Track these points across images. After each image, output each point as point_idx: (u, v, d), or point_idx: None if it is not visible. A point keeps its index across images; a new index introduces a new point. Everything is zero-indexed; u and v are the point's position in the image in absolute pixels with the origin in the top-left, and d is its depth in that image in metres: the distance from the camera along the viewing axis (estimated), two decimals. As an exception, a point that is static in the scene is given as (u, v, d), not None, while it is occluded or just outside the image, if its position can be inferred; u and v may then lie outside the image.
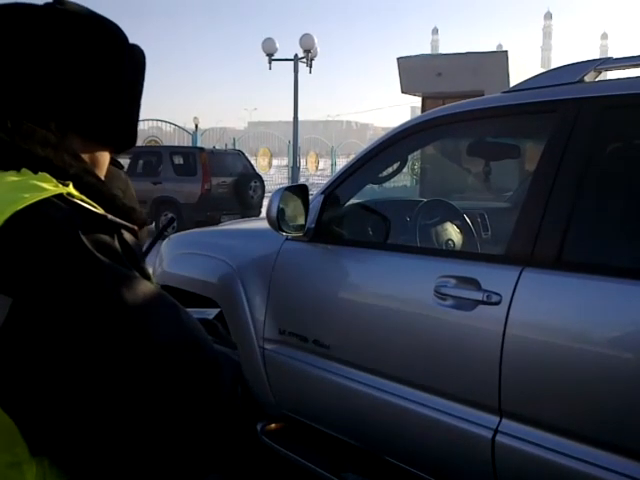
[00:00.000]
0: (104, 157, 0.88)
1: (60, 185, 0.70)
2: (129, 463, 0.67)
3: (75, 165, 0.76)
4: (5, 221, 0.63)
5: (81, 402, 0.63)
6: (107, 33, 0.83)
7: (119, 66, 0.83)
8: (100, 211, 0.71)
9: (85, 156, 0.82)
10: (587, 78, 1.99)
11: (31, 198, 0.66)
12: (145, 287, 0.69)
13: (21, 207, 0.65)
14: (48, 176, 0.71)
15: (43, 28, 0.77)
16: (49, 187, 0.68)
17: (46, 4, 0.80)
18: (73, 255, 0.65)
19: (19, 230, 0.64)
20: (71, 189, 0.70)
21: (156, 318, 0.69)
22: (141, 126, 19.55)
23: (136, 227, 0.76)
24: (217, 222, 9.74)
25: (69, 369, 0.62)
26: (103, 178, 0.84)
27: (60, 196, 0.68)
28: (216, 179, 11.22)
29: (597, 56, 2.10)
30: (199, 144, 17.44)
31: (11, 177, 0.70)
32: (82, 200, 0.70)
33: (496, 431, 1.85)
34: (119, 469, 0.68)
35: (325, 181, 2.78)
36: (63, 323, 0.62)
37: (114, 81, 0.83)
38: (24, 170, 0.71)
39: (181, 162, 11.51)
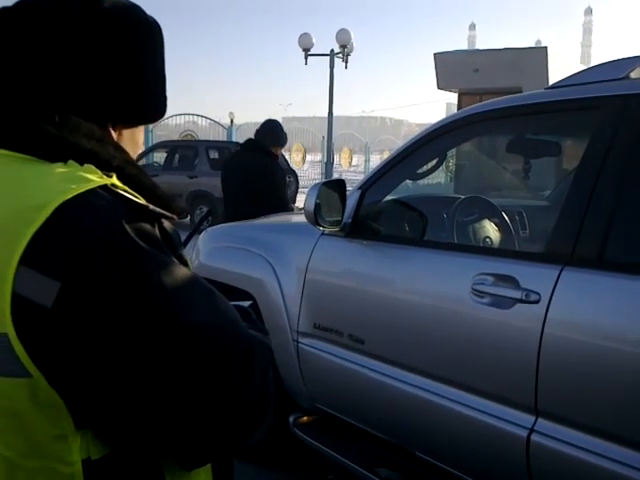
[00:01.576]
0: (140, 133, 0.91)
1: (104, 177, 0.73)
2: (163, 436, 0.72)
3: (118, 157, 0.79)
4: (54, 210, 0.67)
5: (121, 377, 0.67)
6: (133, 21, 0.83)
7: (146, 50, 0.85)
8: (142, 201, 0.74)
9: (125, 136, 0.87)
10: (633, 74, 1.95)
11: (78, 189, 0.69)
12: (182, 272, 0.73)
13: (69, 197, 0.68)
14: (93, 168, 0.74)
15: (79, 23, 0.79)
16: (94, 178, 0.72)
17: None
18: (117, 242, 0.68)
19: (67, 219, 0.67)
20: (115, 180, 0.74)
21: (192, 301, 0.72)
22: (177, 120, 19.81)
23: (175, 216, 0.79)
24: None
25: (111, 347, 0.66)
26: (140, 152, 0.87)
27: (105, 187, 0.71)
28: (251, 174, 11.28)
29: (639, 52, 2.07)
30: (234, 139, 17.57)
31: (59, 168, 0.73)
32: (125, 190, 0.73)
33: (531, 430, 1.84)
34: (155, 441, 0.73)
35: (359, 177, 2.79)
36: (107, 305, 0.66)
37: (143, 64, 0.84)
38: (70, 162, 0.74)
39: (217, 156, 11.61)
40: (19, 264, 0.65)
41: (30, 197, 0.69)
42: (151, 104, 0.88)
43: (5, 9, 0.80)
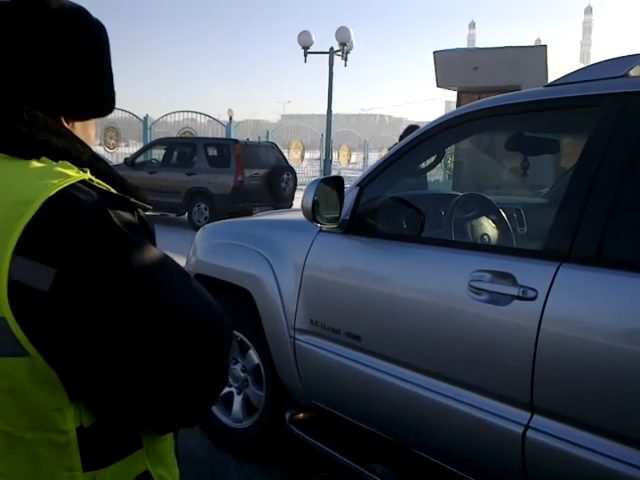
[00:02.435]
0: (92, 127, 0.97)
1: (80, 172, 0.79)
2: (143, 404, 0.79)
3: (86, 152, 0.85)
4: (42, 204, 0.73)
5: (109, 350, 0.74)
6: (77, 20, 0.90)
7: (91, 46, 0.91)
8: (119, 194, 0.80)
9: (78, 129, 0.93)
10: (632, 72, 1.94)
11: (60, 184, 0.75)
12: (162, 257, 0.81)
13: (54, 192, 0.74)
14: (69, 164, 0.80)
15: (29, 23, 0.85)
16: (73, 173, 0.78)
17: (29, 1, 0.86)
18: (105, 231, 0.75)
19: (55, 212, 0.73)
20: (90, 175, 0.80)
21: (173, 283, 0.80)
22: (175, 117, 19.78)
23: (150, 206, 0.86)
24: (249, 213, 9.80)
25: (101, 323, 0.73)
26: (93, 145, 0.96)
27: (83, 181, 0.78)
28: (249, 171, 11.28)
29: (639, 51, 2.05)
30: (233, 136, 17.56)
31: (35, 164, 0.79)
32: (99, 184, 0.80)
33: (527, 427, 1.84)
34: (135, 409, 0.80)
35: (357, 175, 2.78)
36: (98, 287, 0.73)
37: (89, 59, 0.90)
38: (44, 158, 0.80)
39: (215, 154, 11.59)
40: (14, 254, 0.71)
41: (17, 193, 0.75)
42: (99, 97, 0.93)
43: None
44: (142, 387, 0.77)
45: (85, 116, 0.93)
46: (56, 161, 0.79)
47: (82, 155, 0.83)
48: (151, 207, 0.86)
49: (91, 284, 0.72)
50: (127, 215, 0.79)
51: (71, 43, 0.87)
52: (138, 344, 0.75)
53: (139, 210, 0.83)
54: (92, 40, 0.91)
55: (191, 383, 0.79)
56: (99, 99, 0.93)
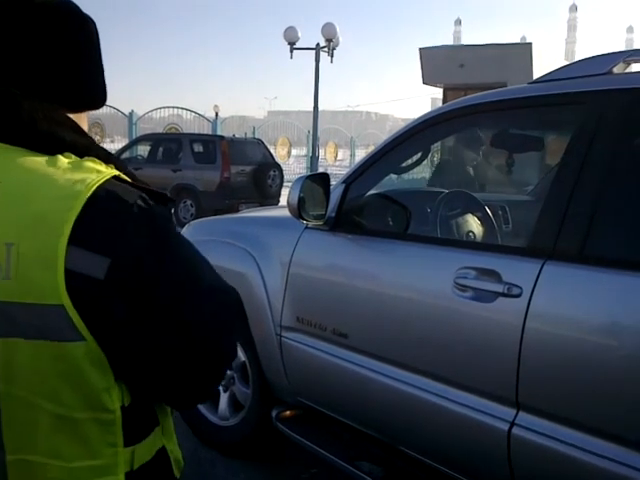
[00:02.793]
0: (84, 120, 0.98)
1: (108, 168, 0.85)
2: (176, 380, 0.86)
3: (101, 150, 0.89)
4: (88, 198, 0.78)
5: (151, 329, 0.81)
6: (65, 12, 0.92)
7: (80, 37, 0.93)
8: (153, 188, 0.87)
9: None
10: (615, 70, 1.95)
11: (99, 179, 0.80)
12: (193, 245, 0.90)
13: (96, 186, 0.79)
14: (96, 160, 0.85)
15: (21, 18, 0.87)
16: (103, 169, 0.83)
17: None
18: (150, 222, 0.82)
19: (101, 204, 0.78)
20: (117, 171, 0.85)
21: (204, 267, 0.89)
22: (161, 113, 19.66)
23: (175, 200, 0.89)
24: (236, 210, 9.76)
25: (147, 305, 0.80)
26: None
27: (115, 177, 0.83)
28: (235, 167, 11.24)
29: (622, 49, 2.06)
30: (219, 132, 17.48)
31: (65, 159, 0.83)
32: (127, 180, 0.85)
33: (512, 424, 1.85)
34: (168, 386, 0.87)
35: (344, 172, 2.78)
36: (147, 273, 0.80)
37: (79, 51, 0.92)
38: (67, 154, 0.84)
39: (201, 150, 11.54)
40: (68, 244, 0.75)
41: (60, 187, 0.78)
42: (90, 89, 0.95)
43: None
44: (176, 361, 0.84)
45: (78, 108, 0.94)
46: (80, 157, 0.84)
47: (100, 151, 0.88)
48: (175, 201, 0.90)
49: (141, 271, 0.79)
50: (162, 207, 0.86)
51: (59, 35, 0.89)
52: (177, 321, 0.82)
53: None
54: (80, 33, 0.92)
55: (216, 356, 0.88)
56: (91, 91, 0.95)
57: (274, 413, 2.76)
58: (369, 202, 2.58)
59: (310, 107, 17.74)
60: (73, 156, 0.84)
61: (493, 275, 1.92)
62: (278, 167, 12.36)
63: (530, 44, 11.33)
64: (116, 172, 0.84)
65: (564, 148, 1.96)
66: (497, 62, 10.64)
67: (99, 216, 0.78)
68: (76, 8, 0.93)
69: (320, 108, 17.83)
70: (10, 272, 0.75)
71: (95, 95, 0.96)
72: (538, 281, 1.80)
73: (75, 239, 0.76)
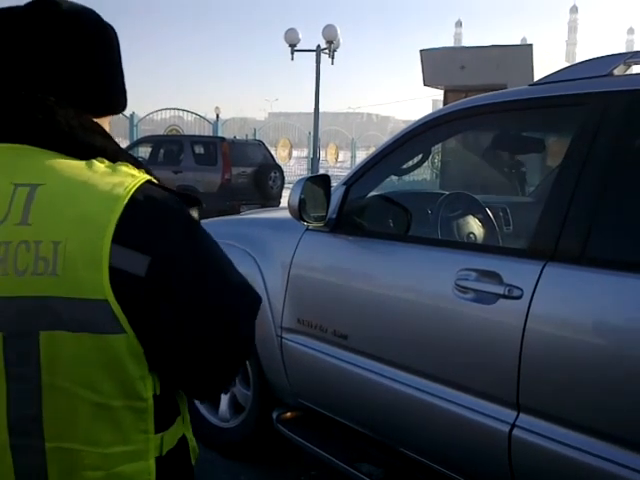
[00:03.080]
0: (107, 125, 1.02)
1: (140, 172, 0.90)
2: (202, 370, 0.92)
3: (122, 153, 0.94)
4: (128, 200, 0.83)
5: (185, 322, 0.86)
6: (93, 22, 0.97)
7: (103, 44, 0.98)
8: (184, 192, 0.93)
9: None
10: (616, 71, 1.95)
11: (136, 182, 0.86)
12: (218, 244, 0.94)
13: (134, 190, 0.85)
14: (129, 164, 0.90)
15: (49, 26, 0.91)
16: (137, 174, 0.89)
17: (54, 6, 0.93)
18: (185, 223, 0.89)
19: (140, 207, 0.84)
20: (149, 176, 0.91)
21: (230, 264, 0.95)
22: (162, 115, 19.67)
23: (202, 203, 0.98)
24: (237, 212, 9.77)
25: (183, 299, 0.86)
26: None
27: (148, 181, 0.89)
28: (236, 169, 11.23)
29: (623, 51, 2.06)
30: (220, 134, 17.49)
31: (101, 164, 0.88)
32: (159, 184, 0.91)
33: (513, 425, 1.85)
34: (195, 376, 0.93)
35: (344, 173, 2.78)
36: (183, 270, 0.86)
37: (102, 57, 0.97)
38: (100, 158, 0.89)
39: (202, 151, 11.53)
40: (112, 244, 0.81)
41: (101, 189, 0.84)
42: (114, 95, 1.00)
43: None
44: (208, 350, 0.90)
45: (102, 113, 0.99)
46: (111, 161, 0.90)
47: (119, 156, 0.92)
48: (202, 204, 0.96)
49: (178, 268, 0.86)
50: (193, 210, 0.91)
51: (85, 43, 0.93)
52: (209, 313, 0.89)
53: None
54: (104, 40, 0.97)
55: (241, 345, 0.95)
56: (114, 96, 1.00)
57: (274, 415, 2.76)
58: (370, 204, 2.58)
59: (311, 109, 17.74)
60: (106, 161, 0.89)
61: (494, 277, 1.92)
62: (279, 169, 12.35)
63: (531, 46, 11.33)
64: (149, 176, 0.90)
65: (565, 150, 1.96)
66: (498, 64, 10.63)
67: (139, 217, 0.84)
68: (99, 17, 0.98)
69: (321, 110, 17.82)
70: (57, 269, 0.80)
71: (118, 100, 1.01)
72: (539, 283, 1.80)
73: (118, 239, 0.81)
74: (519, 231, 2.96)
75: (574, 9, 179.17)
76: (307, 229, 2.61)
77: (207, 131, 18.95)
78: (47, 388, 0.83)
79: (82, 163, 0.87)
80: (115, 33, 1.00)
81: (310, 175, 2.68)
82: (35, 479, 0.85)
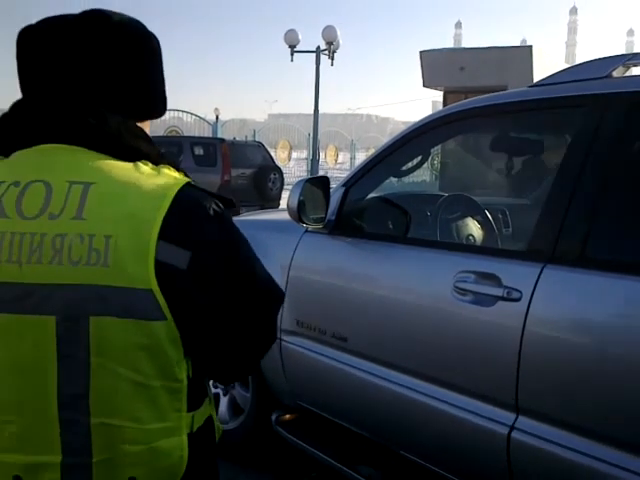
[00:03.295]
0: (147, 128, 1.09)
1: (181, 174, 0.99)
2: (230, 357, 1.03)
3: (164, 157, 1.00)
4: (172, 200, 0.91)
5: (219, 312, 0.96)
6: (140, 32, 1.03)
7: (150, 54, 1.05)
8: (219, 194, 1.00)
9: None
10: (615, 73, 1.95)
11: (178, 184, 0.94)
12: (249, 242, 1.03)
13: (177, 190, 0.92)
14: (171, 167, 0.98)
15: (100, 36, 0.97)
16: (178, 176, 0.97)
17: (108, 18, 0.99)
18: (223, 222, 0.97)
19: (183, 206, 0.91)
20: (188, 177, 0.99)
21: (258, 261, 1.04)
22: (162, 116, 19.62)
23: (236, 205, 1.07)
24: (236, 213, 9.76)
25: (218, 292, 0.95)
26: None
27: (188, 182, 0.96)
28: (236, 170, 11.24)
29: (622, 53, 2.06)
30: (219, 135, 17.48)
31: (146, 166, 0.95)
32: (199, 186, 0.98)
33: (512, 428, 1.85)
34: (223, 361, 1.03)
35: (344, 175, 2.78)
36: (221, 265, 0.95)
37: (149, 66, 1.04)
38: (144, 161, 0.96)
39: (201, 153, 11.53)
40: (158, 239, 0.89)
41: (148, 190, 0.91)
42: (156, 101, 1.07)
43: (31, 28, 0.98)
44: (237, 337, 1.00)
45: (145, 118, 1.06)
46: (156, 165, 0.97)
47: (160, 159, 0.99)
48: (235, 205, 1.05)
49: (216, 263, 0.95)
50: (228, 211, 0.99)
51: (132, 52, 1.00)
52: (243, 304, 0.99)
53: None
54: (149, 49, 1.04)
55: (264, 336, 1.07)
56: (156, 102, 1.07)
57: (274, 417, 2.75)
58: (369, 205, 2.58)
59: (310, 110, 17.75)
60: (149, 163, 0.96)
61: (493, 279, 1.91)
62: (278, 170, 12.36)
63: (530, 47, 11.35)
64: (189, 179, 0.98)
65: (564, 152, 1.95)
66: (497, 65, 10.65)
67: (182, 216, 0.92)
68: (144, 27, 1.04)
69: (320, 111, 17.84)
70: (108, 260, 0.88)
71: (159, 106, 1.08)
72: (538, 285, 1.80)
73: (163, 235, 0.89)
74: (518, 233, 2.96)
75: (574, 10, 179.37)
76: (306, 231, 2.60)
77: (207, 132, 18.94)
78: (94, 368, 0.90)
79: (129, 165, 0.95)
80: (158, 42, 1.06)
81: (309, 177, 2.68)
82: (80, 450, 0.91)
